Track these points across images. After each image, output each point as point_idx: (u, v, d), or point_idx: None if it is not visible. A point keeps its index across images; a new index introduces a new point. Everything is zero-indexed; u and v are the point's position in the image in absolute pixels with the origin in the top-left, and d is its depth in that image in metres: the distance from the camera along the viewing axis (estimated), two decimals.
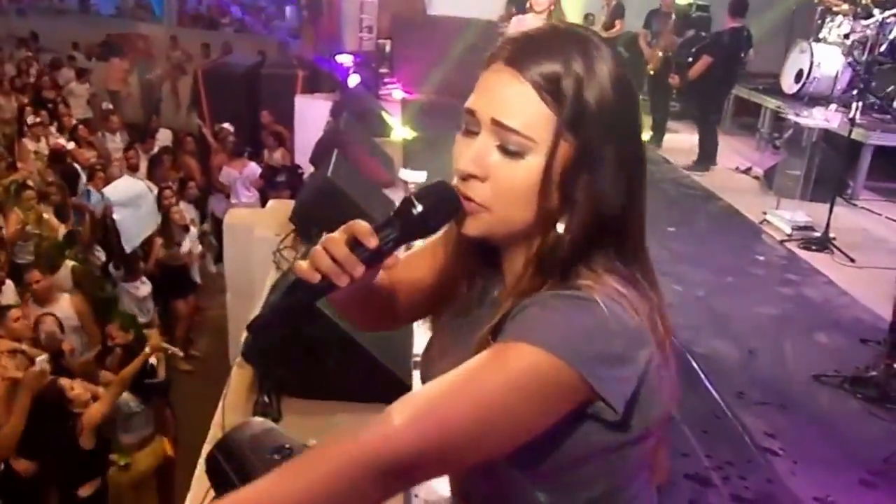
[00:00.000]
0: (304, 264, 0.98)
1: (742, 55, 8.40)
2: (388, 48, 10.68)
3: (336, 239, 0.98)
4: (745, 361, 4.28)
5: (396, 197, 5.23)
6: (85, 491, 4.17)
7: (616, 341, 0.92)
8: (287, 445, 1.15)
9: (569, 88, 0.94)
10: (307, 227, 3.90)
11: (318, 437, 1.25)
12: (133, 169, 7.72)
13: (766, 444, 3.51)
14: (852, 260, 5.79)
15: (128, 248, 6.25)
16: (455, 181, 1.01)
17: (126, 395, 4.43)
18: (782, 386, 4.01)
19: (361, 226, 0.98)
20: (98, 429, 4.17)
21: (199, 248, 7.04)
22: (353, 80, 7.31)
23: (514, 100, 0.95)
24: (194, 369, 6.51)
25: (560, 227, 0.98)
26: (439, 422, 0.88)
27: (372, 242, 0.97)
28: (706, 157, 8.24)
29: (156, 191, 6.96)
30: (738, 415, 3.70)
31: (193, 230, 6.98)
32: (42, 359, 4.21)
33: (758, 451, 3.45)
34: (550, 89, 0.94)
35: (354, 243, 0.97)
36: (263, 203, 7.97)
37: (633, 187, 1.01)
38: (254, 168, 8.14)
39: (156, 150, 8.47)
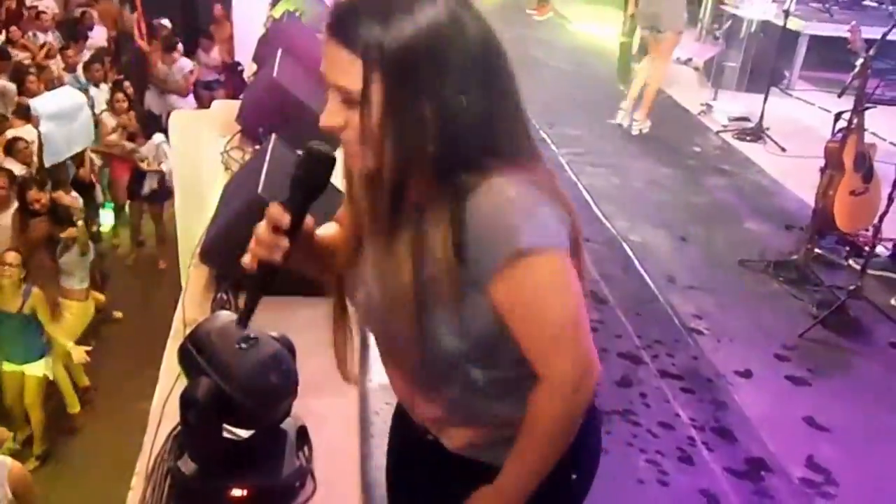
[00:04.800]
0: (246, 258, 1.20)
1: None
2: None
3: (261, 227, 1.18)
4: (677, 248, 4.52)
5: None
6: None
7: (553, 208, 1.13)
8: (252, 335, 1.25)
9: (366, 34, 1.05)
10: (254, 128, 3.92)
11: (274, 331, 1.38)
12: (71, 69, 7.47)
13: (692, 324, 3.78)
14: (783, 149, 6.04)
15: (48, 163, 6.00)
16: None
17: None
18: (710, 271, 4.28)
19: (274, 210, 1.17)
20: None
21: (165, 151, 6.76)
22: None
23: (336, 62, 1.09)
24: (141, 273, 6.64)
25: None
26: (575, 343, 1.17)
27: (284, 221, 1.16)
28: None
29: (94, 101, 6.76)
30: (668, 298, 3.96)
31: (158, 135, 6.77)
32: None
33: (685, 331, 3.73)
34: (353, 41, 1.06)
35: (275, 226, 1.17)
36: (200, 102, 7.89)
37: (485, 95, 1.10)
38: (184, 63, 7.97)
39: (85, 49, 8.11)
